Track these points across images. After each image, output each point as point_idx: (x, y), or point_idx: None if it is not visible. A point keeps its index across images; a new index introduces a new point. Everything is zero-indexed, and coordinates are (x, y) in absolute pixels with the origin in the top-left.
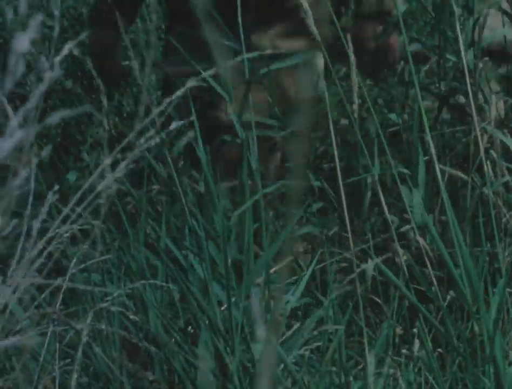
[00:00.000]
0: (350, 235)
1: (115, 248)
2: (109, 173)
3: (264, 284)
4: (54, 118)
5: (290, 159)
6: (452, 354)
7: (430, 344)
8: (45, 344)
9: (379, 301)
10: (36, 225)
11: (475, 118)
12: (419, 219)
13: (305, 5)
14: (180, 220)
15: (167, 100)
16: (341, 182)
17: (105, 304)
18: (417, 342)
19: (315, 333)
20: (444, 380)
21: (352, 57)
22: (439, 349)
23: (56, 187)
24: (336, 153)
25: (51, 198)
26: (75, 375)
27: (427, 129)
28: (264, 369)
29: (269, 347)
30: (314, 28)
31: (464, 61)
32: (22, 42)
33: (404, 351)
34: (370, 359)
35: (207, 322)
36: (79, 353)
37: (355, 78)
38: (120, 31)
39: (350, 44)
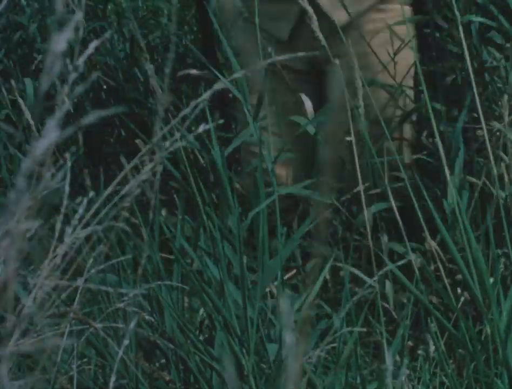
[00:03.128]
0: (370, 241)
1: (131, 249)
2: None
3: (278, 286)
4: (89, 118)
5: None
6: (466, 356)
7: (443, 347)
8: (61, 344)
9: (392, 303)
10: (68, 231)
11: (481, 117)
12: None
13: (311, 11)
14: (195, 221)
15: (193, 102)
16: (361, 184)
17: (121, 305)
18: (432, 344)
19: (335, 335)
20: (459, 382)
21: (354, 60)
22: (453, 352)
23: (91, 194)
24: (356, 158)
25: (85, 204)
26: (113, 378)
27: (436, 132)
28: (291, 376)
29: (297, 354)
30: (319, 34)
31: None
32: (59, 42)
33: (419, 352)
34: (388, 359)
35: (222, 323)
36: None
37: (359, 80)
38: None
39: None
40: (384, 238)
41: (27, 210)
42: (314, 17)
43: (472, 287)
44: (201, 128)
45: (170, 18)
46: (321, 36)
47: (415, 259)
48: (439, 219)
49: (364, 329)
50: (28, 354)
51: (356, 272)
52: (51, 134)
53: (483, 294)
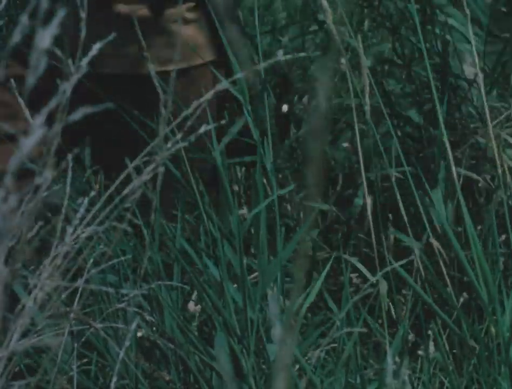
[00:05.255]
0: (374, 240)
1: (131, 249)
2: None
3: (279, 286)
4: (77, 115)
5: (306, 159)
6: (467, 355)
7: (446, 344)
8: (61, 345)
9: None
10: (69, 230)
11: (488, 117)
12: (438, 219)
13: (325, 3)
14: (195, 221)
15: (195, 102)
16: (365, 184)
17: (121, 305)
18: (431, 344)
19: (335, 335)
20: (459, 382)
21: (363, 58)
22: (453, 351)
23: (92, 193)
24: (360, 152)
25: (86, 204)
26: (114, 378)
27: (443, 129)
28: (280, 370)
29: (285, 348)
30: (333, 27)
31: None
32: (44, 38)
33: (419, 352)
34: (389, 359)
35: (222, 323)
36: None
37: (366, 78)
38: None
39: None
40: (390, 237)
41: (27, 210)
42: (329, 11)
43: (477, 286)
44: (202, 129)
45: None
46: (334, 30)
47: (417, 251)
48: (445, 218)
49: (364, 330)
50: (28, 354)
51: (359, 266)
52: (38, 131)
53: (487, 294)
